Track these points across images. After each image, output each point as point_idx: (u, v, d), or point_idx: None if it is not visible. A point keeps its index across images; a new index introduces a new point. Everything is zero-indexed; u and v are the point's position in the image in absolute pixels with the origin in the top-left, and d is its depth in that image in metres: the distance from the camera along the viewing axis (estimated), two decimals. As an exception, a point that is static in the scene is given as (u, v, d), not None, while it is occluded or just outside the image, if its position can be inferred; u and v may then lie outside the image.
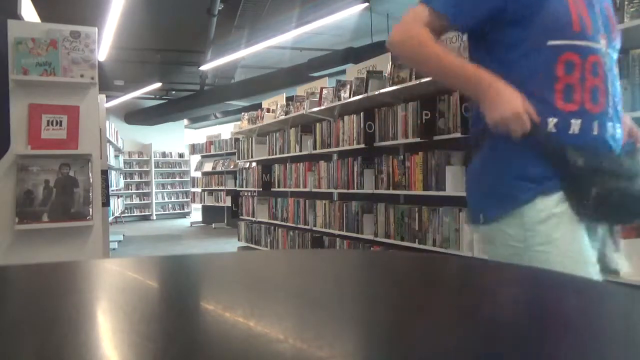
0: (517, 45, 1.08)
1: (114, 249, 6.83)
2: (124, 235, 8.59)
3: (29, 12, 3.34)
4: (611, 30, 1.10)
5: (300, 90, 5.56)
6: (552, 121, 1.04)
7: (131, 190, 12.42)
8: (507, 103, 1.02)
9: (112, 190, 7.03)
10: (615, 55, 1.12)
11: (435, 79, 1.22)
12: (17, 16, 3.04)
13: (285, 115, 5.30)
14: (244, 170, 6.54)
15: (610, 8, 1.14)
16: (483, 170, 1.18)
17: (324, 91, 4.66)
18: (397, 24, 1.19)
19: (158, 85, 10.25)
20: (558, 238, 1.03)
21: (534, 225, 1.04)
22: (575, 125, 1.04)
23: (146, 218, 12.57)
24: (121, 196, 10.27)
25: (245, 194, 6.50)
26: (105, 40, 6.76)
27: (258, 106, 7.08)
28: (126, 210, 11.71)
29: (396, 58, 3.59)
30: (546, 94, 1.05)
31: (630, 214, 1.07)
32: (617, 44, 1.13)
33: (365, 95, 3.90)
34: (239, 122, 6.96)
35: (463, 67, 1.10)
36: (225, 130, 12.43)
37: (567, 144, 1.03)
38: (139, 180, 12.69)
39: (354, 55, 6.35)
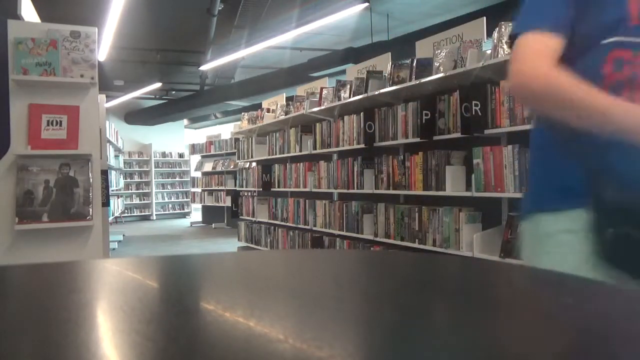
0: (575, 38, 0.99)
1: (114, 249, 6.83)
2: (124, 235, 8.59)
3: (29, 12, 3.34)
4: None
5: (300, 90, 5.57)
6: None
7: (131, 190, 12.43)
8: None
9: (112, 190, 7.03)
10: None
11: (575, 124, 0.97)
12: (17, 16, 3.04)
13: (285, 115, 5.30)
14: (244, 170, 6.54)
15: None
16: (530, 165, 1.14)
17: (324, 91, 4.66)
18: (515, 64, 1.01)
19: (158, 85, 10.25)
20: (564, 253, 1.00)
21: (545, 237, 1.03)
22: None
23: (146, 218, 12.57)
24: (121, 196, 10.28)
25: (245, 194, 6.50)
26: (105, 40, 6.76)
27: (258, 106, 7.08)
28: (126, 210, 11.72)
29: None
30: None
31: None
32: None
33: (365, 95, 3.90)
34: (239, 122, 6.96)
35: (605, 104, 0.92)
36: (225, 130, 12.43)
37: (611, 151, 0.92)
38: (139, 180, 12.70)
39: (354, 55, 6.35)
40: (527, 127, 2.65)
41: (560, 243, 1.01)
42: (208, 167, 10.72)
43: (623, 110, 0.90)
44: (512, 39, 1.04)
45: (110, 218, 6.53)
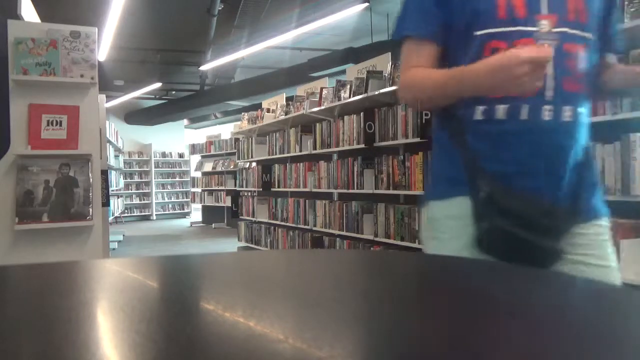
0: (453, 33, 1.08)
1: (114, 249, 6.83)
2: (124, 235, 8.59)
3: (29, 12, 3.34)
4: (566, 9, 1.01)
5: (300, 90, 5.56)
6: (479, 109, 1.03)
7: (131, 190, 12.42)
8: (499, 61, 0.92)
9: (112, 190, 7.03)
10: (577, 32, 1.02)
11: (446, 101, 1.09)
12: (17, 16, 3.03)
13: (285, 115, 5.30)
14: (244, 170, 6.54)
15: None
16: (431, 160, 1.26)
17: (324, 91, 4.66)
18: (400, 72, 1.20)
19: (158, 85, 10.24)
20: (448, 238, 1.07)
21: (434, 221, 1.12)
22: (501, 110, 1.01)
23: (146, 218, 12.57)
24: (121, 196, 10.27)
25: (245, 194, 6.50)
26: (105, 40, 6.75)
27: (258, 106, 7.08)
28: (126, 210, 11.71)
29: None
30: None
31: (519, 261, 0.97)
32: (577, 21, 1.02)
33: (365, 95, 3.90)
34: (239, 122, 6.96)
35: (446, 74, 1.04)
36: (225, 130, 12.43)
37: (496, 133, 1.02)
38: (139, 180, 12.69)
39: (354, 55, 6.35)
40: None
41: (445, 228, 1.08)
42: (208, 167, 10.71)
43: (468, 71, 0.99)
44: (394, 43, 1.18)
45: (110, 218, 6.53)
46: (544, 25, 1.00)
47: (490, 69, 0.94)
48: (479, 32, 1.03)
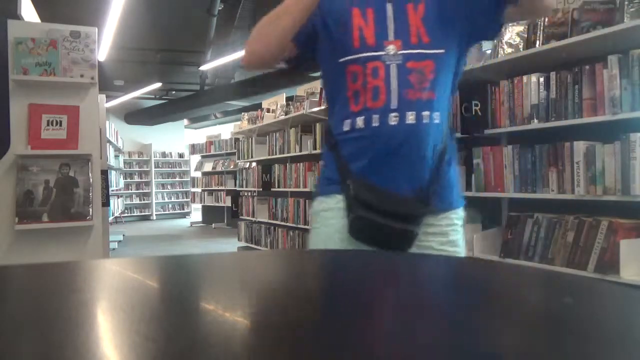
0: (325, 63, 1.33)
1: (114, 249, 6.83)
2: (124, 235, 8.59)
3: (29, 12, 3.34)
4: (409, 34, 1.23)
5: (300, 90, 5.56)
6: (346, 122, 1.25)
7: (131, 190, 12.42)
8: None
9: (112, 190, 7.03)
10: (421, 51, 1.23)
11: (290, 26, 1.25)
12: (17, 16, 3.03)
13: (285, 115, 5.29)
14: (244, 170, 6.54)
15: (412, 13, 1.24)
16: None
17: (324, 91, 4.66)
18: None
19: (158, 85, 10.24)
20: (320, 227, 1.31)
21: (314, 214, 1.35)
22: (360, 121, 1.23)
23: (146, 218, 12.57)
24: (121, 196, 10.27)
25: (245, 194, 6.50)
26: (105, 40, 6.76)
27: (258, 106, 7.08)
28: (126, 210, 11.71)
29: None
30: (343, 101, 1.27)
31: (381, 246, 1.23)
32: (420, 42, 1.23)
33: (365, 95, 3.90)
34: (239, 122, 6.96)
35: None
36: (225, 130, 12.42)
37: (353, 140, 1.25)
38: (139, 180, 12.69)
39: (354, 55, 6.33)
40: (527, 127, 2.65)
41: (320, 219, 1.32)
42: (208, 167, 10.71)
43: None
44: None
45: (110, 218, 6.53)
46: (391, 49, 1.22)
47: None
48: (340, 60, 1.25)
